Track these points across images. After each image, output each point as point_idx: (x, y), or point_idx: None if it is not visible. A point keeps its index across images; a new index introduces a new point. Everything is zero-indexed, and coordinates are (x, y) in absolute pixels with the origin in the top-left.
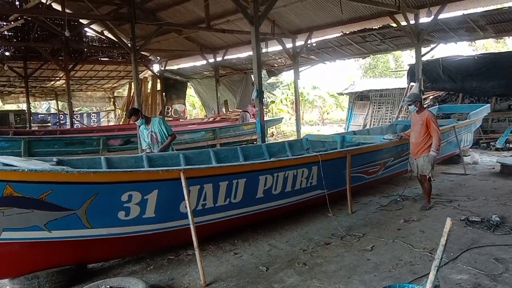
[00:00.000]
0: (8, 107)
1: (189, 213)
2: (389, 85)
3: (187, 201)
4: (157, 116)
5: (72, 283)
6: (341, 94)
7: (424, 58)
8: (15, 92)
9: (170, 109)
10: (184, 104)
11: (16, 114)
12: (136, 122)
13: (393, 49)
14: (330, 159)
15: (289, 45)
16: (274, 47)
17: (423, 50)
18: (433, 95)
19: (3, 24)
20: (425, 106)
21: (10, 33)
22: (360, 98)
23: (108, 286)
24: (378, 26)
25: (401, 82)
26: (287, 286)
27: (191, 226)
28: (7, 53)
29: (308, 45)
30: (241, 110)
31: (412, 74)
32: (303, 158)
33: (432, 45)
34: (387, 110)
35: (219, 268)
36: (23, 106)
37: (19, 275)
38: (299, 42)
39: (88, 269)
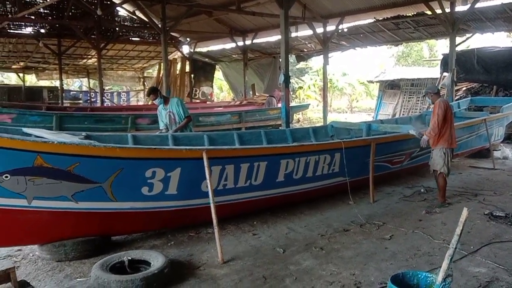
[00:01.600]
0: (42, 83)
1: (210, 192)
2: (421, 75)
3: (208, 181)
4: (176, 97)
5: (96, 253)
6: (371, 82)
7: (458, 48)
8: (49, 68)
9: (197, 91)
10: (212, 87)
11: (49, 90)
12: (154, 102)
13: (427, 38)
14: (354, 146)
15: (319, 30)
16: (304, 32)
17: (458, 39)
18: (466, 86)
19: (39, 1)
20: (456, 97)
21: (45, 11)
22: (390, 86)
23: (130, 258)
24: (412, 13)
25: (434, 72)
26: (302, 268)
27: (211, 205)
28: (42, 30)
29: (339, 31)
30: (267, 95)
31: (445, 64)
32: (326, 144)
33: (468, 35)
34: (418, 100)
35: (237, 247)
36: (56, 83)
37: (47, 242)
38: (330, 27)
39: (112, 241)
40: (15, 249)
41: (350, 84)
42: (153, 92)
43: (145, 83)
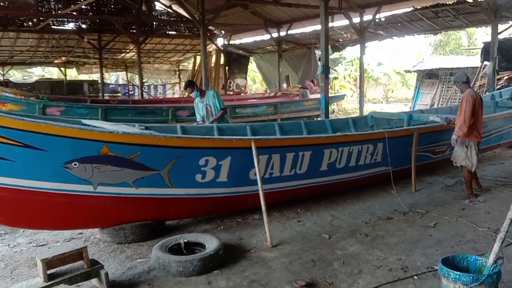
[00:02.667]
0: (82, 77)
1: (258, 180)
2: (460, 64)
3: (257, 169)
4: (212, 89)
5: (152, 237)
6: (409, 71)
7: (500, 36)
8: (89, 63)
9: (232, 83)
10: (246, 79)
11: (90, 84)
12: (191, 94)
13: (467, 26)
14: (396, 136)
15: (356, 20)
16: (340, 22)
17: (500, 27)
18: (508, 75)
19: None
20: (497, 86)
21: (86, 7)
22: (428, 76)
23: (186, 240)
24: (452, 1)
25: (474, 60)
26: (349, 253)
27: (260, 192)
28: (83, 26)
29: (376, 20)
30: (300, 86)
31: (486, 53)
32: (369, 134)
33: (511, 22)
34: (457, 90)
35: (284, 233)
36: (94, 77)
37: (109, 226)
38: (367, 17)
39: (165, 225)
40: (77, 233)
41: (386, 73)
42: (190, 85)
43: (181, 76)
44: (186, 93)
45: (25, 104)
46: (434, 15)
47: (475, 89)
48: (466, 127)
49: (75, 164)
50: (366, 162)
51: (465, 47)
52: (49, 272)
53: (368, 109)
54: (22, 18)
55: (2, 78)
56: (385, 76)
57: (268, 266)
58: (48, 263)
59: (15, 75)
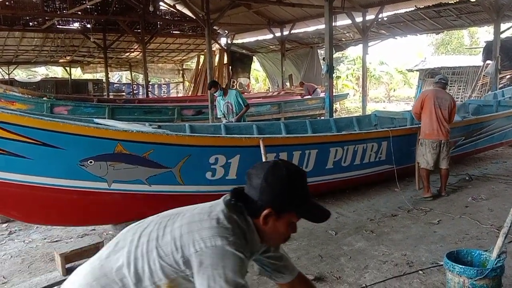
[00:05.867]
0: (86, 76)
1: None
2: (463, 63)
3: None
4: (234, 89)
5: None
6: (411, 70)
7: (503, 35)
8: (94, 62)
9: (235, 82)
10: (249, 78)
11: (94, 83)
12: (215, 94)
13: (469, 25)
14: (400, 135)
15: (358, 19)
16: (342, 21)
17: (503, 26)
18: (510, 74)
19: None
20: (500, 85)
21: (91, 7)
22: (431, 75)
23: None
24: (455, 1)
25: (476, 59)
26: (355, 249)
27: None
28: (88, 25)
29: (379, 20)
30: (303, 83)
31: (488, 52)
32: (373, 133)
33: None
34: (460, 89)
35: None
36: (98, 76)
37: (122, 222)
38: (370, 16)
39: None
40: (90, 229)
41: (388, 72)
42: (214, 85)
43: (184, 75)
44: (211, 92)
45: (33, 103)
46: (436, 14)
47: (477, 88)
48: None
49: (90, 162)
50: (371, 160)
51: (467, 46)
52: (67, 266)
53: (370, 108)
54: (28, 18)
55: (7, 77)
56: (387, 75)
57: None
58: (66, 257)
59: (20, 74)
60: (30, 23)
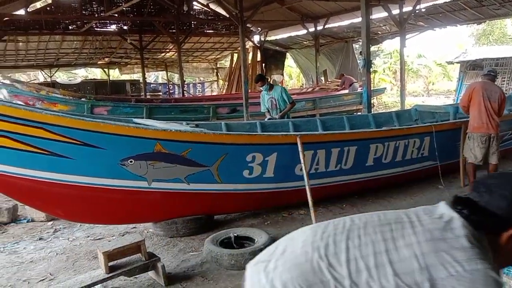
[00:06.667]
0: (124, 77)
1: (305, 176)
2: (507, 53)
3: (303, 164)
4: (280, 85)
5: (202, 231)
6: (451, 63)
7: None
8: (131, 63)
9: (268, 80)
10: (282, 75)
11: (131, 83)
12: (261, 88)
13: None
14: (443, 130)
15: (395, 11)
16: (378, 14)
17: None
18: None
19: (122, 1)
20: None
21: (127, 9)
22: (472, 67)
23: (236, 234)
24: None
25: None
26: None
27: (307, 188)
28: (125, 27)
29: (417, 11)
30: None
31: None
32: (415, 128)
33: None
34: (504, 81)
35: None
36: (135, 76)
37: (162, 220)
38: (407, 8)
39: (214, 219)
40: (131, 227)
41: (426, 65)
42: (261, 79)
43: (218, 73)
44: (257, 86)
45: (74, 104)
46: (478, 3)
47: None
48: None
49: (131, 161)
50: (413, 157)
51: (511, 36)
52: (109, 264)
53: (409, 102)
54: (67, 22)
55: (49, 80)
56: (425, 68)
57: None
58: (109, 256)
59: (61, 76)
60: (70, 27)
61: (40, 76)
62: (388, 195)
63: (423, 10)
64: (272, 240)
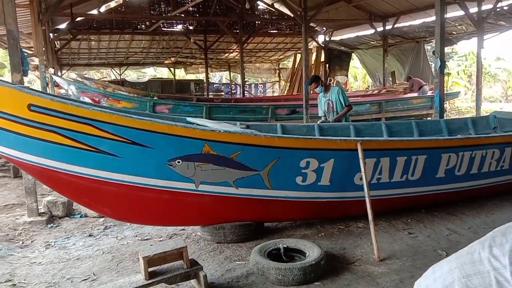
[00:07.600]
0: (189, 76)
1: (365, 186)
2: None
3: (363, 173)
4: (337, 85)
5: (251, 238)
6: None
7: None
8: (196, 63)
9: (332, 81)
10: (347, 76)
11: (196, 83)
12: (316, 89)
13: None
14: None
15: (473, 10)
16: (453, 13)
17: None
18: None
19: (188, 1)
20: None
21: (193, 9)
22: None
23: (286, 245)
24: None
25: None
26: None
27: (367, 199)
28: (190, 27)
29: (498, 9)
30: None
31: None
32: (495, 138)
33: None
34: None
35: (393, 245)
36: (200, 76)
37: (209, 224)
38: (486, 6)
39: (264, 227)
40: (179, 229)
41: (505, 69)
42: (315, 80)
43: (280, 74)
44: (311, 88)
45: (137, 101)
46: None
47: None
48: None
49: (178, 162)
50: (491, 169)
51: None
52: (150, 269)
53: (485, 108)
54: (136, 21)
55: (119, 78)
56: (504, 71)
57: (376, 282)
58: (150, 261)
59: (131, 75)
60: (138, 26)
61: (112, 74)
62: (459, 211)
63: (505, 8)
64: (325, 255)
